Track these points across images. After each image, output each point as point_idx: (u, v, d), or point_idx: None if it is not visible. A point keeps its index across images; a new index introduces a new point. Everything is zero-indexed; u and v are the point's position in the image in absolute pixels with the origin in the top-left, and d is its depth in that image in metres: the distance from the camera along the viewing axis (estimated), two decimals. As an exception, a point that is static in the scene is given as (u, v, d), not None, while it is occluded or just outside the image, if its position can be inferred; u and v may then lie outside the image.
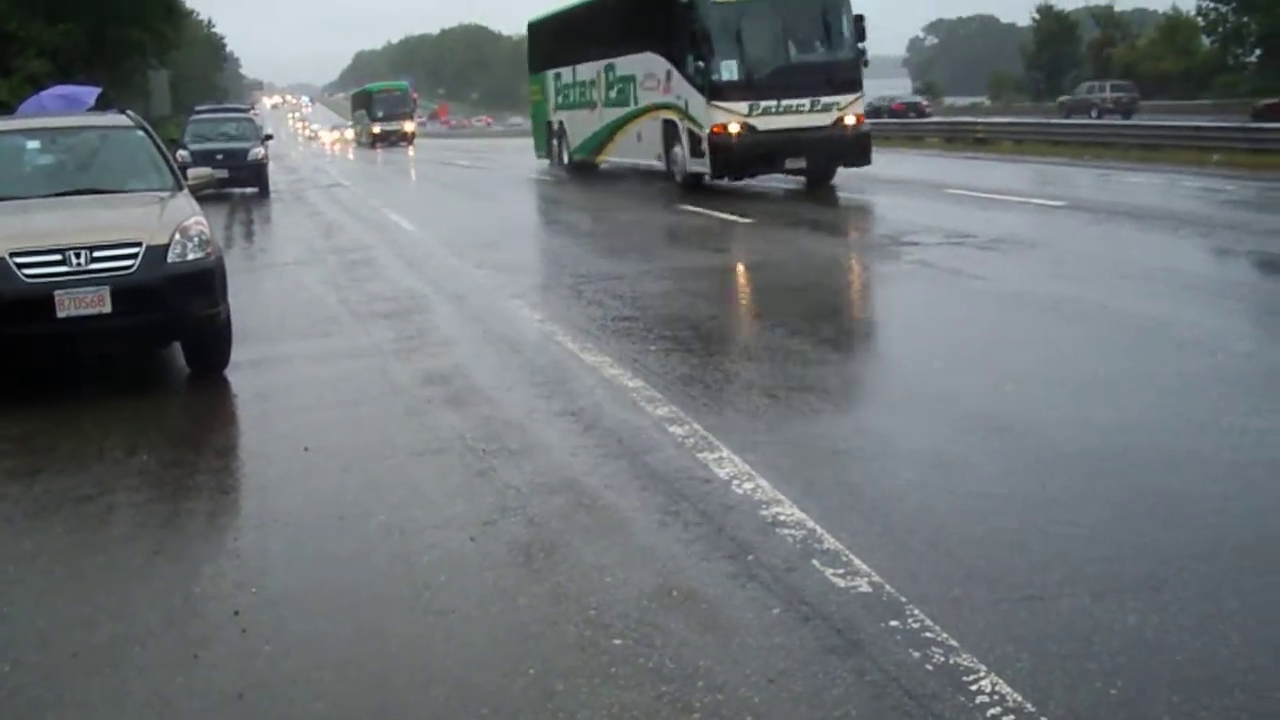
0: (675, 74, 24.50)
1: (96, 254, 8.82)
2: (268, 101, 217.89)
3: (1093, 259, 14.21)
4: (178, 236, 9.16)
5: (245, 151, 30.11)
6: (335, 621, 5.08)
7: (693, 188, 24.20)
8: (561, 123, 34.25)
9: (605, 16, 29.85)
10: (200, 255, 9.24)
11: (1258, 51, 73.59)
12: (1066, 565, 5.19)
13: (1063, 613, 4.76)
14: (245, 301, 11.69)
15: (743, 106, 22.83)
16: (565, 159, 34.10)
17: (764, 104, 22.83)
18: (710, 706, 4.20)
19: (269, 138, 34.23)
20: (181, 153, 27.93)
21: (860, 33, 23.86)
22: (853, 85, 23.62)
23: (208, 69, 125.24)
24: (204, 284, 9.27)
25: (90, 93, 14.55)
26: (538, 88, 36.73)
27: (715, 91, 22.99)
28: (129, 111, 11.77)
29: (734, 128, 22.83)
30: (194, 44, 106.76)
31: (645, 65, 26.56)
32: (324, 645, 4.87)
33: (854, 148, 23.67)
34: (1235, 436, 6.99)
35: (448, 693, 4.44)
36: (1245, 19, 72.92)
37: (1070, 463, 6.62)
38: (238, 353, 9.91)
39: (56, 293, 8.65)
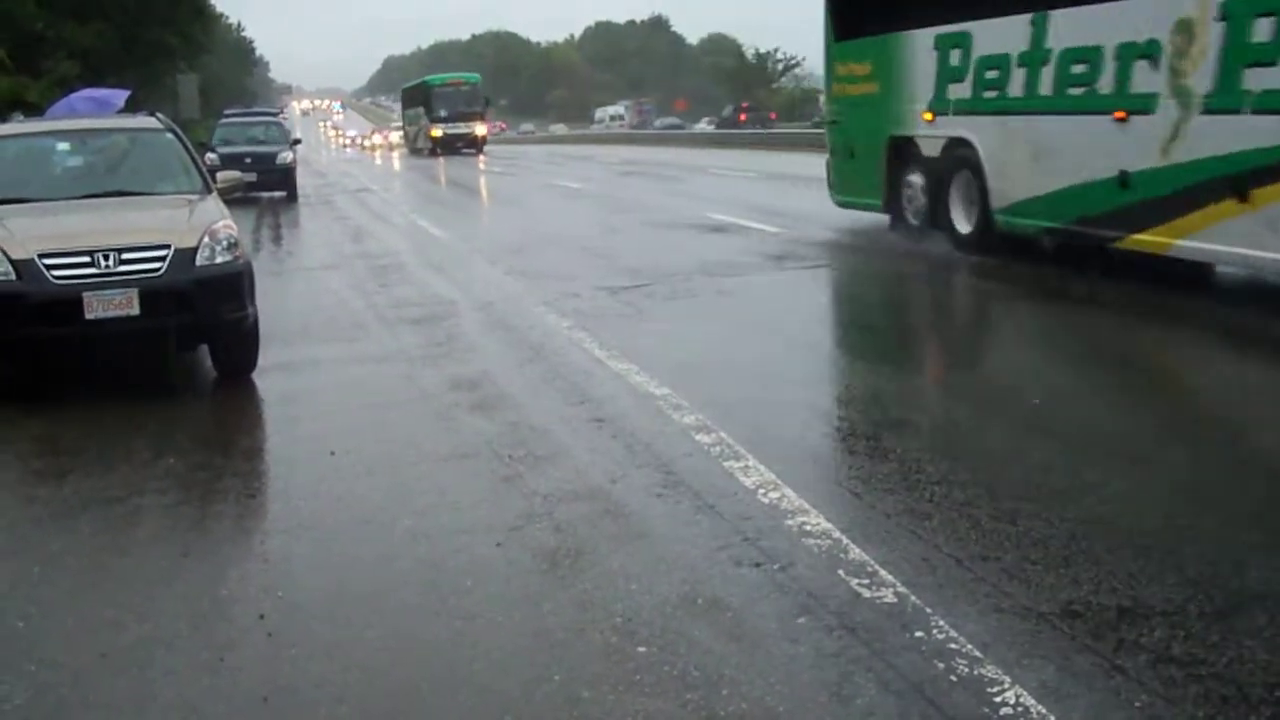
0: None
1: (125, 256, 8.87)
2: (297, 107, 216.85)
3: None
4: (206, 239, 9.20)
5: (273, 155, 30.26)
6: (361, 626, 5.08)
7: None
8: (960, 142, 15.14)
9: None
10: (229, 258, 9.28)
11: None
12: (1098, 572, 5.16)
13: (1090, 625, 4.73)
14: (273, 305, 11.74)
15: None
16: (961, 222, 15.28)
17: None
18: (735, 715, 4.19)
19: (297, 142, 34.34)
20: (210, 156, 28.07)
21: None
22: None
23: (237, 72, 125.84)
24: (232, 287, 9.31)
25: (120, 95, 14.62)
26: (869, 67, 17.40)
27: None
28: (158, 114, 11.82)
29: None
30: (223, 47, 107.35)
31: None
32: (350, 650, 4.87)
33: None
34: None
35: (472, 699, 4.44)
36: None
37: (1112, 461, 6.59)
38: (265, 356, 9.94)
39: (85, 294, 8.70)
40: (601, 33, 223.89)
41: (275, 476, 7.48)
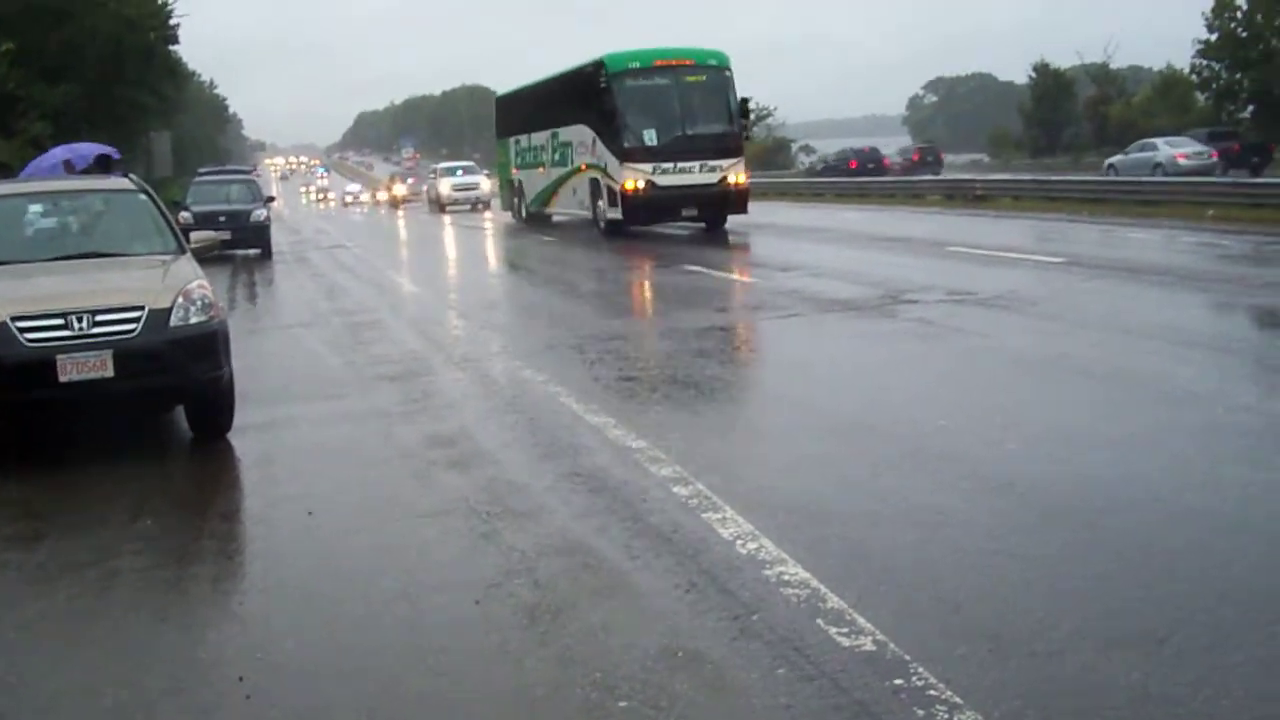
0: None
1: (99, 318, 8.84)
2: (273, 167, 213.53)
3: (1093, 315, 14.21)
4: (180, 300, 9.19)
5: (248, 213, 30.35)
6: (341, 686, 5.07)
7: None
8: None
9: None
10: (203, 318, 9.27)
11: (1250, 107, 74.29)
12: (1071, 621, 5.18)
13: (1067, 668, 4.75)
14: (249, 364, 11.72)
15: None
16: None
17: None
18: (717, 769, 4.19)
19: (271, 200, 34.40)
20: (184, 214, 28.15)
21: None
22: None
23: (210, 130, 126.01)
24: (207, 347, 9.29)
25: (94, 149, 14.70)
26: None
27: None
28: (131, 175, 11.83)
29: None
30: (197, 105, 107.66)
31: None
32: (330, 711, 4.86)
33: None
34: (1237, 490, 7.00)
35: (454, 758, 4.42)
36: (1238, 76, 73.68)
37: (1073, 518, 6.62)
38: (241, 416, 9.92)
39: (59, 357, 8.66)
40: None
41: (253, 537, 7.45)
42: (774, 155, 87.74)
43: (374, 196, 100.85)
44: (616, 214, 29.87)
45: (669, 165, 28.97)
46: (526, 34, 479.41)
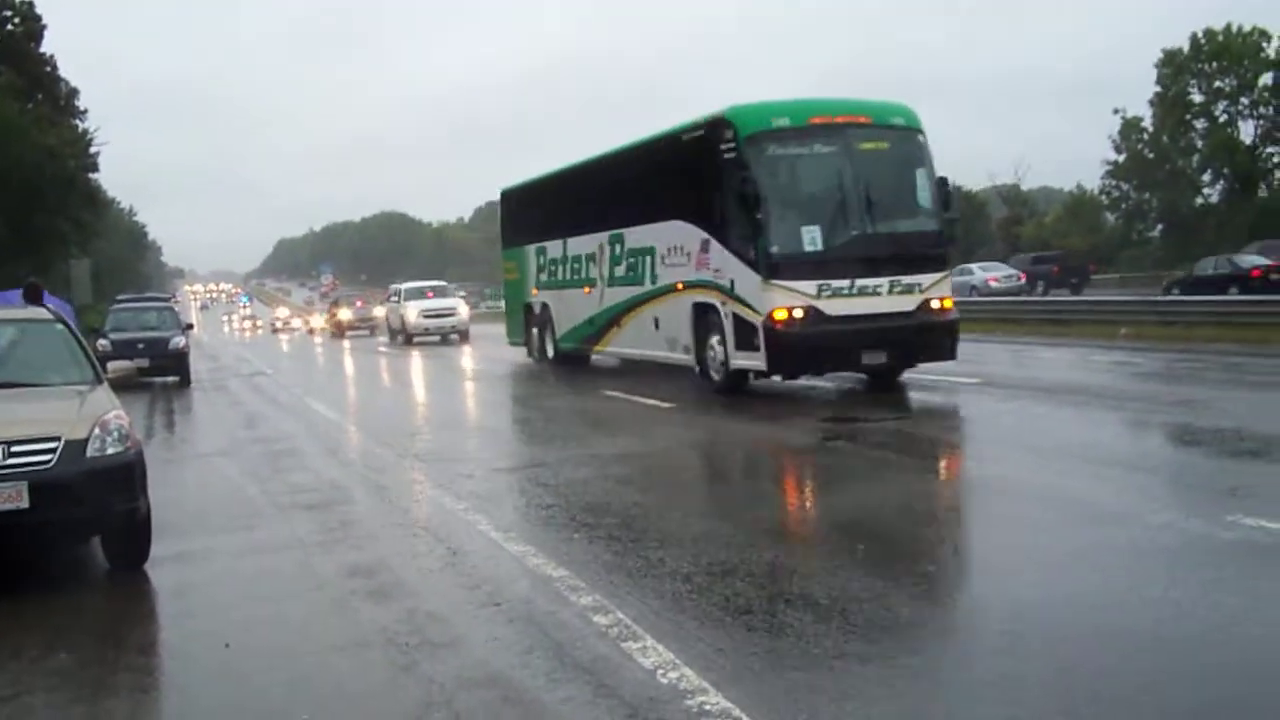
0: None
1: (14, 449, 8.76)
2: (193, 295, 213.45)
3: (1009, 435, 14.43)
4: (97, 431, 9.14)
5: (166, 340, 30.27)
6: (257, 824, 5.01)
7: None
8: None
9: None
10: (120, 449, 9.21)
11: (1160, 226, 76.42)
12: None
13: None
14: (166, 494, 11.62)
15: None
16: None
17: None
18: None
19: (190, 327, 34.29)
20: (102, 342, 28.11)
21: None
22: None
23: (129, 257, 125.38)
24: (124, 479, 9.22)
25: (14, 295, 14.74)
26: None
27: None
28: (48, 305, 11.79)
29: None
30: (116, 232, 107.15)
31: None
32: None
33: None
34: (1158, 609, 7.11)
35: None
36: (1146, 195, 75.84)
37: (994, 640, 6.69)
38: (158, 547, 9.82)
39: (-27, 489, 8.57)
40: (492, 212, 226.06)
41: (170, 671, 7.35)
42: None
43: (307, 323, 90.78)
44: (752, 359, 18.78)
45: (844, 284, 18.14)
46: (449, 164, 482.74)
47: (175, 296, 72.73)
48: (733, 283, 18.96)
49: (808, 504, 11.82)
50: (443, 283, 57.95)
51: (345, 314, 69.48)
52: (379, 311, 62.48)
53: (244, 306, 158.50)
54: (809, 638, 6.93)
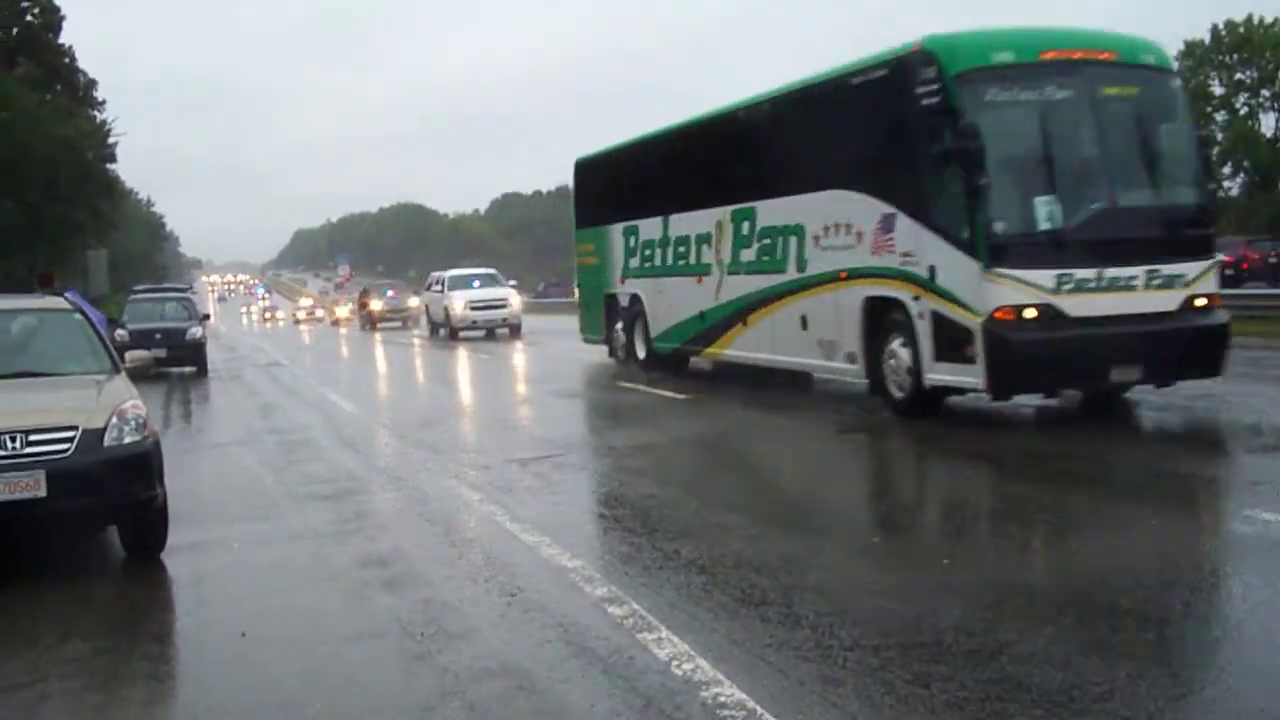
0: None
1: (32, 438, 8.80)
2: (210, 286, 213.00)
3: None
4: (114, 420, 9.17)
5: (183, 331, 30.39)
6: (271, 813, 5.01)
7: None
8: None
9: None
10: (137, 438, 9.24)
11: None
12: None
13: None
14: (182, 483, 11.64)
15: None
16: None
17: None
18: None
19: (206, 317, 34.35)
20: (120, 332, 28.18)
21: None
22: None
23: (147, 247, 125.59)
24: (141, 467, 9.25)
25: None
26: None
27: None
28: (66, 294, 11.82)
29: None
30: (133, 223, 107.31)
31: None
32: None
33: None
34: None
35: None
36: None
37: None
38: (174, 536, 9.84)
39: (-9, 477, 8.60)
40: (506, 204, 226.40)
41: (185, 659, 7.37)
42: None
43: (332, 313, 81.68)
44: (960, 373, 13.99)
45: (1089, 275, 13.49)
46: (465, 157, 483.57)
47: (192, 287, 71.76)
48: (933, 271, 14.20)
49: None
50: (492, 270, 49.47)
51: (376, 304, 61.74)
52: (413, 302, 57.57)
53: (262, 297, 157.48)
54: (824, 634, 6.91)
